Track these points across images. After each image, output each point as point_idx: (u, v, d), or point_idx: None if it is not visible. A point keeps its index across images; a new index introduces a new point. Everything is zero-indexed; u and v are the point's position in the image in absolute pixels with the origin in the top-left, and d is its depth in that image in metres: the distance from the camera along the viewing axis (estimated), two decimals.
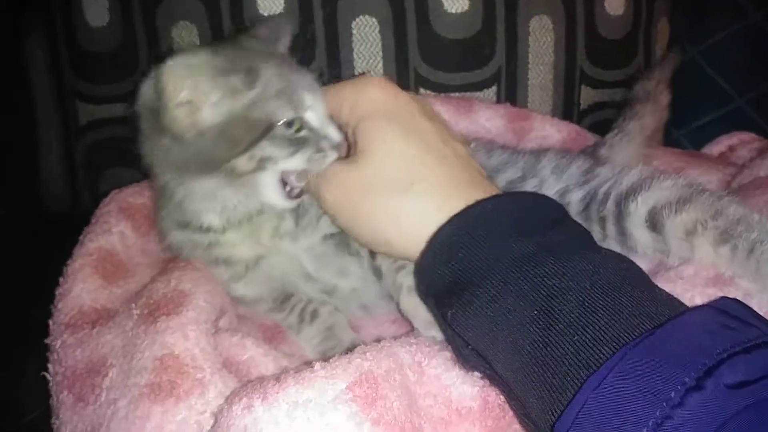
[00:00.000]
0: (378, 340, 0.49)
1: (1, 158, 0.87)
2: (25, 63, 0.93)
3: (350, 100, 0.56)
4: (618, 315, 0.39)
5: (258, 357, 0.54)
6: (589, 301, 0.40)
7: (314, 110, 0.58)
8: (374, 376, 0.43)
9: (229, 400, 0.43)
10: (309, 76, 0.60)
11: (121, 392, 0.48)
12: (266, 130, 0.56)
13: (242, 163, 0.57)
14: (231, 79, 0.55)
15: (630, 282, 0.42)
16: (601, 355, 0.37)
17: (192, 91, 0.54)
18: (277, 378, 0.42)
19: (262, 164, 0.57)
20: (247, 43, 0.64)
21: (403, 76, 0.87)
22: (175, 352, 0.48)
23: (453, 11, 0.86)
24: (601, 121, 0.96)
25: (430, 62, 0.87)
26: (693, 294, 0.51)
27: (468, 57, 0.89)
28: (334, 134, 0.59)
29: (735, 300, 0.39)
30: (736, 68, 1.04)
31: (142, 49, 0.87)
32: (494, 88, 0.90)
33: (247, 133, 0.56)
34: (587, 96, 0.96)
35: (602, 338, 0.38)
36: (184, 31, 0.84)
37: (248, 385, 0.44)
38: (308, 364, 0.53)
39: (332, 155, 0.58)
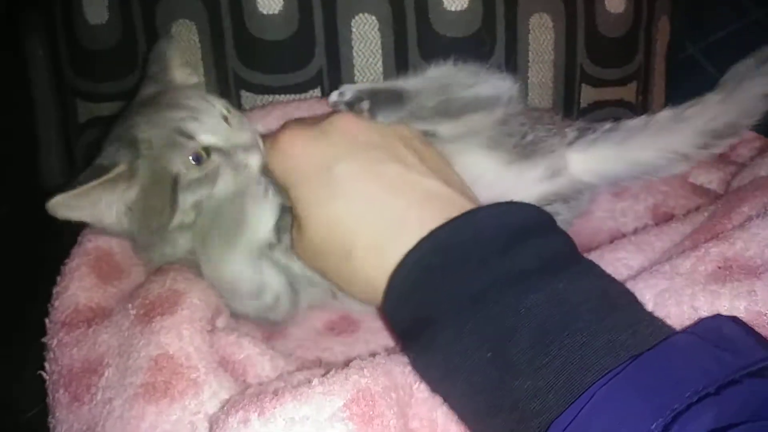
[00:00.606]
0: (373, 355, 0.49)
1: (1, 157, 0.87)
2: (24, 62, 0.93)
3: (274, 165, 0.54)
4: (573, 357, 0.37)
5: (254, 356, 0.54)
6: (544, 341, 0.38)
7: (207, 130, 0.57)
8: (371, 393, 0.43)
9: (225, 410, 0.43)
10: (188, 94, 0.59)
11: (116, 392, 0.48)
12: (174, 184, 0.55)
13: (179, 219, 0.57)
14: (114, 170, 0.55)
15: (595, 312, 0.39)
16: (553, 404, 0.36)
17: (92, 209, 0.55)
18: (275, 391, 0.43)
19: (198, 208, 0.57)
20: (148, 91, 0.63)
21: (403, 74, 0.87)
22: (170, 352, 0.48)
23: (452, 9, 0.85)
24: (601, 120, 0.96)
25: (429, 60, 0.87)
26: (694, 291, 0.47)
27: (468, 55, 0.88)
28: (243, 136, 0.57)
29: (720, 318, 0.38)
30: None
31: (141, 47, 0.87)
32: None
33: (162, 197, 0.56)
34: (587, 94, 0.96)
35: (555, 382, 0.36)
36: (184, 29, 0.84)
37: (245, 396, 0.44)
38: (305, 366, 0.54)
39: (255, 155, 0.57)
